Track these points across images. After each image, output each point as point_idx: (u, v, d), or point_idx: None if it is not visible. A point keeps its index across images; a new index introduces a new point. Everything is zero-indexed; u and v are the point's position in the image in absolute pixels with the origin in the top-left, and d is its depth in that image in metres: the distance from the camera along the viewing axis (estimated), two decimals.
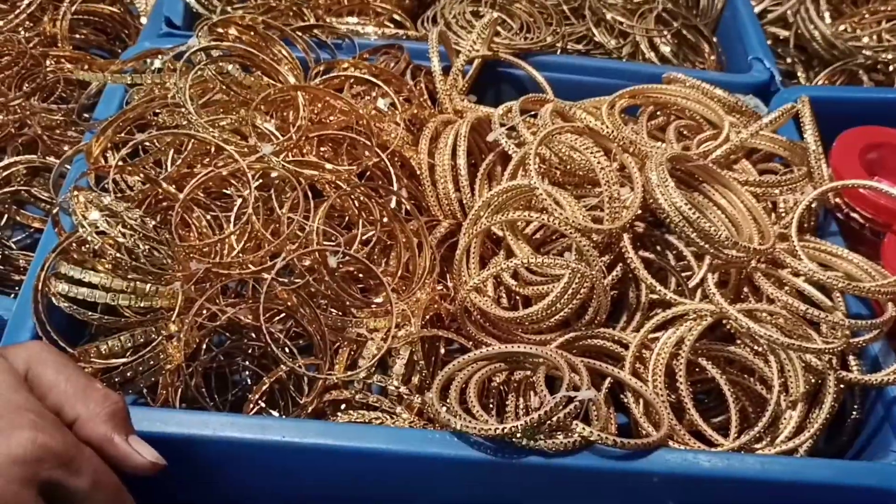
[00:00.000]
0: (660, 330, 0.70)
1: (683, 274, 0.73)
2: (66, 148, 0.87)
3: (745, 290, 0.73)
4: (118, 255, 0.61)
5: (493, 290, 0.74)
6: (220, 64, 0.78)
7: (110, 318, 0.64)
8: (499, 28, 0.97)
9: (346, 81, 0.85)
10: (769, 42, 1.10)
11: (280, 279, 0.66)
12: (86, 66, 0.86)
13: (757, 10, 1.12)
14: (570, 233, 0.68)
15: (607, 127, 0.76)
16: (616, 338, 0.71)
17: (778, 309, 0.69)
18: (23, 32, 0.93)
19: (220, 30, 0.86)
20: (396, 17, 1.05)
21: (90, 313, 0.63)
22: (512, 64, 0.95)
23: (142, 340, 0.62)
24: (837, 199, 0.83)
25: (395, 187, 0.77)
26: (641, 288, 0.72)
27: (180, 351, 0.62)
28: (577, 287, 0.68)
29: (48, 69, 0.89)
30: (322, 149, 0.81)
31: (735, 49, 1.04)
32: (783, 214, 0.78)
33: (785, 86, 0.98)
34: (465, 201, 0.79)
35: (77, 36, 1.00)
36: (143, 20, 1.04)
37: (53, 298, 0.64)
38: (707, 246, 0.69)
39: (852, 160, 0.85)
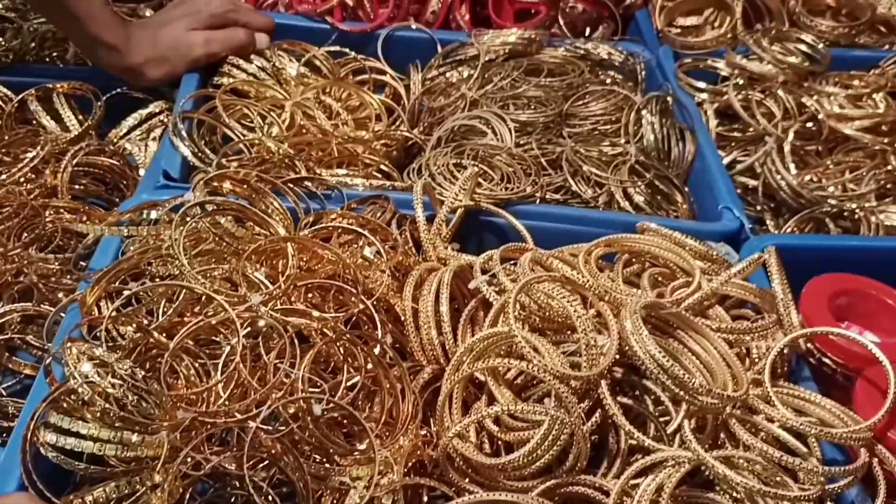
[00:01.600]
0: (640, 476, 0.71)
1: (661, 419, 0.75)
2: (60, 296, 0.90)
3: (722, 435, 0.75)
4: (107, 405, 0.62)
5: (475, 435, 0.76)
6: (215, 217, 0.81)
7: (96, 468, 0.64)
8: (480, 179, 1.02)
9: (334, 231, 0.88)
10: (739, 190, 1.16)
11: (265, 427, 0.67)
12: (84, 218, 0.89)
13: (726, 161, 1.18)
14: (549, 380, 0.70)
15: (583, 276, 0.79)
16: (597, 485, 0.71)
17: (754, 456, 0.70)
18: (25, 184, 0.97)
19: (215, 183, 0.90)
20: (384, 167, 1.11)
21: (77, 463, 0.64)
22: (493, 213, 0.99)
23: (126, 491, 0.62)
24: (809, 345, 0.85)
25: (380, 334, 0.79)
26: (621, 434, 0.73)
27: (164, 501, 0.62)
28: (557, 433, 0.69)
29: (47, 220, 0.93)
30: (309, 295, 0.84)
31: (706, 198, 1.09)
32: (756, 360, 0.80)
33: (755, 233, 1.03)
34: (447, 346, 0.81)
35: (76, 186, 1.04)
36: (142, 171, 1.09)
37: (41, 448, 0.64)
38: (682, 393, 0.71)
39: (821, 306, 0.88)
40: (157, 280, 0.79)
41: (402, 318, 0.83)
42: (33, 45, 1.24)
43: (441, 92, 1.23)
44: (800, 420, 0.72)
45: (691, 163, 1.14)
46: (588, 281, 0.79)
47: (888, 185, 1.12)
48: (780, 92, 1.21)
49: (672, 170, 1.12)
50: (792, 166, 1.12)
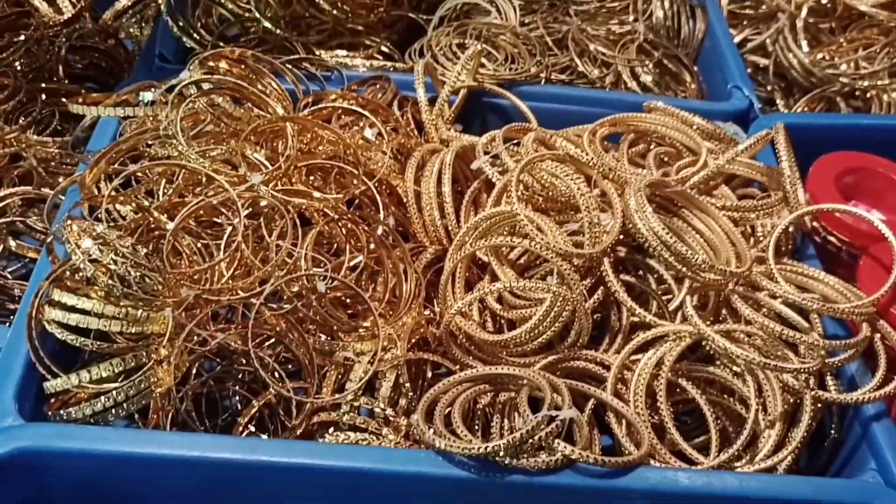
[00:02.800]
0: (641, 352, 0.71)
1: (664, 297, 0.75)
2: (60, 179, 0.89)
3: (724, 312, 0.75)
4: (110, 282, 0.63)
5: (478, 314, 0.76)
6: (211, 96, 0.80)
7: (102, 344, 0.65)
8: (484, 59, 1.00)
9: (334, 112, 0.87)
10: (749, 70, 1.14)
11: (269, 304, 0.67)
12: (80, 100, 0.87)
13: (737, 39, 1.15)
14: (552, 257, 0.70)
15: (588, 154, 0.78)
16: (598, 359, 0.72)
17: (755, 330, 0.70)
18: (19, 67, 0.95)
19: (211, 63, 0.88)
20: (385, 48, 1.08)
21: (82, 339, 0.65)
22: (496, 94, 0.98)
23: (133, 365, 0.63)
24: (814, 223, 0.85)
25: (382, 215, 0.79)
26: (622, 311, 0.74)
27: (170, 375, 0.63)
28: (559, 310, 0.70)
29: (43, 102, 0.91)
30: (311, 178, 0.83)
31: (715, 77, 1.06)
32: (761, 238, 0.80)
33: (764, 113, 1.01)
34: (450, 228, 0.81)
35: (73, 69, 1.02)
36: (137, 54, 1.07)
37: (47, 325, 0.65)
38: (685, 269, 0.70)
39: (828, 185, 0.87)
40: (155, 159, 0.78)
41: (405, 200, 0.83)
42: None
43: None
44: (802, 296, 0.72)
45: (701, 41, 1.11)
46: (592, 159, 0.78)
47: None
48: None
49: (681, 48, 1.09)
50: (804, 44, 1.09)
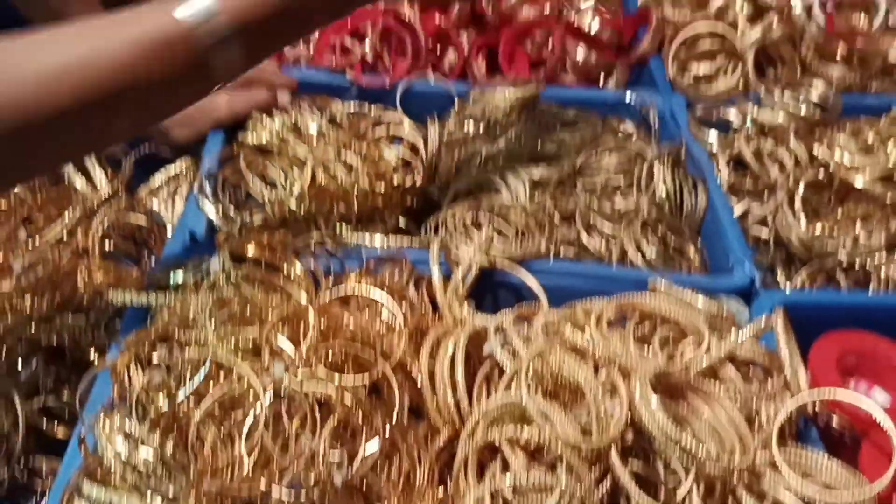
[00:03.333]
0: None
1: (672, 485, 0.77)
2: (89, 355, 0.93)
3: (730, 500, 0.77)
4: (137, 480, 0.66)
5: (489, 500, 0.78)
6: (240, 283, 0.85)
7: None
8: (495, 236, 1.05)
9: (353, 295, 0.92)
10: (751, 241, 1.18)
11: (286, 498, 0.70)
12: (114, 280, 0.93)
13: (738, 211, 1.21)
14: (560, 448, 0.72)
15: (593, 343, 0.82)
16: None
17: None
18: (58, 245, 1.01)
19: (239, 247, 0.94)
20: (401, 223, 1.14)
21: None
22: (508, 271, 1.02)
23: None
24: (816, 408, 0.87)
25: (397, 399, 0.82)
26: (631, 501, 0.75)
27: None
28: (568, 501, 0.72)
29: (78, 281, 0.97)
30: (329, 354, 0.87)
31: (717, 251, 1.11)
32: (764, 422, 0.82)
33: (766, 285, 1.05)
34: (462, 409, 0.84)
35: (106, 245, 1.08)
36: (169, 229, 1.13)
37: None
38: (690, 462, 0.73)
39: (829, 365, 0.90)
40: (184, 346, 0.82)
41: (419, 381, 0.86)
42: None
43: (458, 144, 1.26)
44: (805, 486, 0.74)
45: (703, 215, 1.16)
46: (598, 348, 0.81)
47: None
48: (792, 142, 1.23)
49: (684, 222, 1.14)
50: (802, 217, 1.14)
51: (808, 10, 1.40)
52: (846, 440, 0.85)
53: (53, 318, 0.93)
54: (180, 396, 0.75)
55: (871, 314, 0.99)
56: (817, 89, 1.31)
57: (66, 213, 1.03)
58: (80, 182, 1.14)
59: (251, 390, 0.77)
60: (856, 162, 1.21)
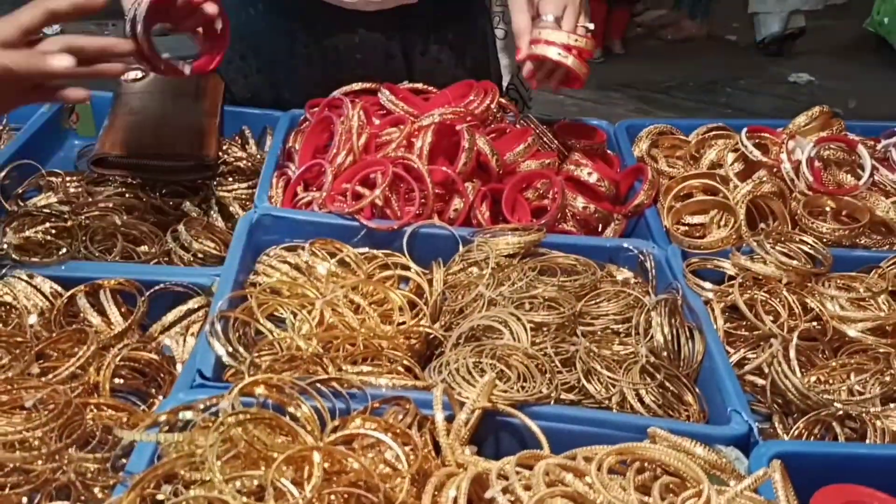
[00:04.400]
0: None
1: None
2: (97, 491, 0.94)
3: None
4: None
5: None
6: (247, 425, 0.87)
7: None
8: (497, 380, 1.07)
9: (358, 437, 0.93)
10: (748, 389, 1.21)
11: None
12: (124, 419, 0.95)
13: (734, 359, 1.23)
14: None
15: (595, 491, 0.83)
16: None
17: None
18: (70, 381, 1.04)
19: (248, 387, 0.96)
20: (406, 362, 1.17)
21: None
22: (510, 415, 1.04)
23: None
24: None
25: None
26: None
27: None
28: None
29: (88, 418, 0.99)
30: (332, 497, 0.88)
31: (715, 398, 1.13)
32: None
33: (764, 434, 1.06)
34: None
35: (117, 380, 1.10)
36: (178, 365, 1.15)
37: None
38: None
39: None
40: (190, 485, 0.84)
41: None
42: (84, 239, 1.33)
43: (462, 288, 1.30)
44: None
45: (700, 362, 1.19)
46: (599, 496, 0.82)
47: (894, 388, 1.15)
48: (785, 292, 1.27)
49: (682, 369, 1.17)
50: (797, 369, 1.16)
51: (797, 167, 1.48)
52: None
53: (62, 455, 0.94)
54: None
55: (867, 465, 1.01)
56: (808, 242, 1.36)
57: (80, 349, 1.06)
58: (95, 319, 1.18)
59: None
60: (848, 313, 1.25)
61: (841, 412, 1.12)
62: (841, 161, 1.54)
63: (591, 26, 1.52)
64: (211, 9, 1.28)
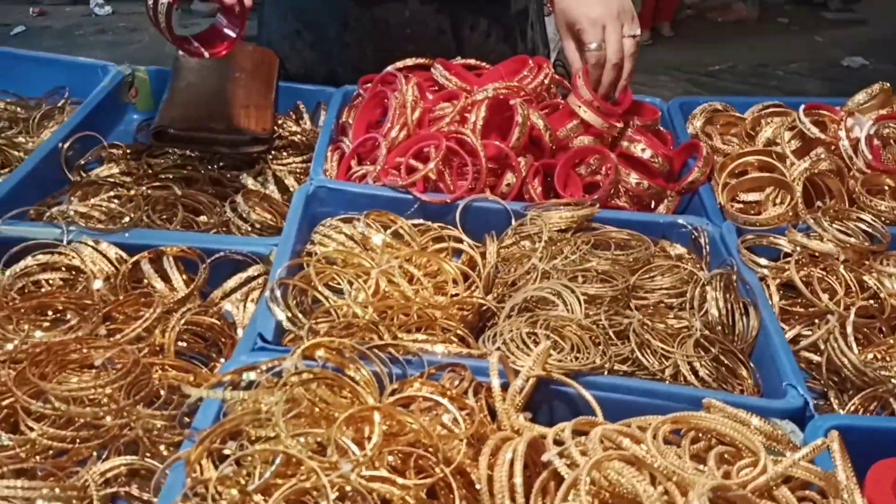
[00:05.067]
0: None
1: None
2: (163, 448, 0.97)
3: None
4: None
5: None
6: (310, 385, 0.89)
7: None
8: (551, 350, 1.08)
9: (416, 399, 0.95)
10: (803, 365, 1.20)
11: None
12: (191, 377, 0.98)
13: (789, 335, 1.23)
14: None
15: (652, 455, 0.84)
16: None
17: None
18: (136, 342, 1.07)
19: (309, 350, 0.98)
20: (460, 332, 1.18)
21: None
22: (564, 383, 1.05)
23: None
24: None
25: (457, 501, 0.84)
26: None
27: None
28: None
29: (154, 377, 1.02)
30: (390, 458, 0.90)
31: (770, 373, 1.13)
32: None
33: (819, 410, 1.06)
34: None
35: (180, 343, 1.13)
36: (239, 330, 1.18)
37: None
38: None
39: (886, 492, 0.90)
40: (255, 441, 0.86)
41: (478, 487, 0.88)
42: (146, 209, 1.37)
43: (515, 261, 1.31)
44: None
45: (755, 337, 1.19)
46: (656, 460, 0.83)
47: None
48: (842, 269, 1.26)
49: (737, 344, 1.17)
50: (854, 345, 1.16)
51: (855, 145, 1.46)
52: None
53: (130, 412, 0.97)
54: (251, 488, 0.78)
55: None
56: (866, 220, 1.35)
57: (146, 311, 1.09)
58: (159, 284, 1.21)
59: (318, 486, 0.80)
60: None
61: None
62: None
63: (638, 32, 1.52)
64: None
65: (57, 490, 0.85)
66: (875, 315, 1.24)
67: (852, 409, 1.12)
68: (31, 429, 0.95)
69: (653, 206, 1.50)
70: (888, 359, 1.18)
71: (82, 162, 1.56)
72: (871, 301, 1.25)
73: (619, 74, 1.51)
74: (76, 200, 1.37)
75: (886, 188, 1.46)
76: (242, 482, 0.81)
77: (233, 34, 1.37)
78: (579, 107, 1.48)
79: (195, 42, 1.35)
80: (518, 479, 0.86)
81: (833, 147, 1.48)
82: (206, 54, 1.35)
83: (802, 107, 1.53)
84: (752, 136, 1.61)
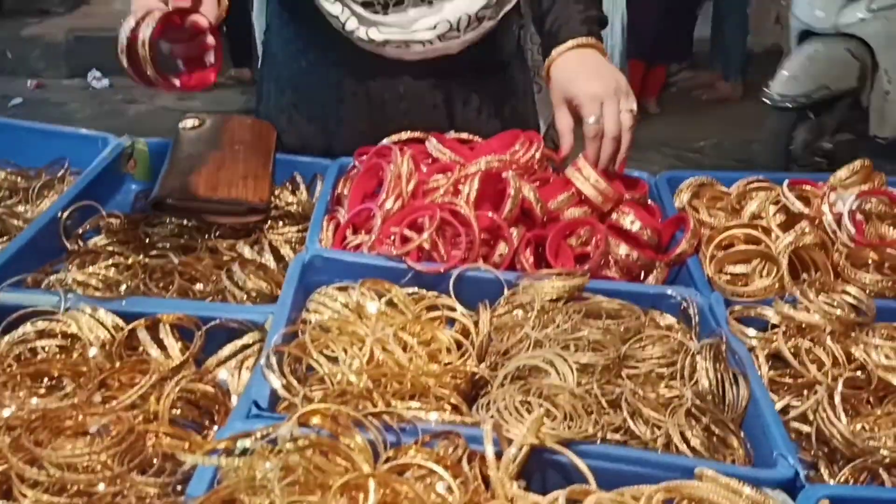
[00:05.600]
0: None
1: None
2: None
3: None
4: None
5: None
6: (305, 452, 0.90)
7: None
8: (544, 418, 1.09)
9: (411, 467, 0.95)
10: (793, 435, 1.21)
11: None
12: (185, 444, 0.98)
13: (778, 406, 1.24)
14: None
15: None
16: None
17: None
18: (131, 409, 1.08)
19: (304, 416, 0.99)
20: (453, 400, 1.19)
21: None
22: (557, 452, 1.06)
23: None
24: None
25: None
26: None
27: None
28: None
29: (148, 445, 1.02)
30: None
31: (761, 443, 1.14)
32: None
33: (810, 480, 1.06)
34: None
35: (174, 410, 1.14)
36: (233, 397, 1.19)
37: None
38: None
39: None
40: None
41: None
42: (143, 276, 1.38)
43: (508, 330, 1.33)
44: None
45: (745, 407, 1.20)
46: None
47: None
48: (829, 341, 1.28)
49: (727, 414, 1.18)
50: (843, 416, 1.17)
51: (839, 220, 1.50)
52: None
53: (123, 479, 0.97)
54: None
55: None
56: (851, 293, 1.38)
57: (142, 378, 1.10)
58: (154, 351, 1.22)
59: None
60: (892, 362, 1.25)
61: (888, 459, 1.12)
62: (883, 214, 1.55)
63: (634, 107, 1.59)
64: (203, 21, 1.38)
65: None
66: (862, 386, 1.26)
67: (842, 479, 1.13)
68: (25, 496, 0.94)
69: (642, 276, 1.53)
70: (876, 429, 1.19)
71: (80, 231, 1.58)
72: (859, 372, 1.27)
73: (618, 148, 1.56)
74: (74, 268, 1.39)
75: (870, 261, 1.49)
76: None
77: (212, 58, 1.41)
78: (581, 181, 1.52)
79: (181, 69, 1.39)
80: None
81: (817, 221, 1.52)
82: (177, 84, 1.39)
83: (786, 182, 1.57)
84: (737, 209, 1.65)
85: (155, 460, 1.02)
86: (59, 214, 1.54)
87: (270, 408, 1.10)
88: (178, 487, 0.97)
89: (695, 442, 1.12)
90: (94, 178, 1.71)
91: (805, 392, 1.26)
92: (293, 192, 1.74)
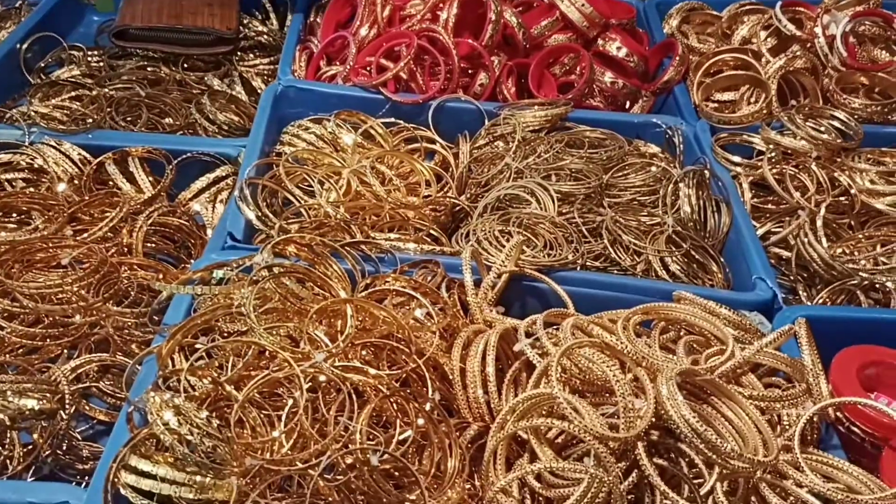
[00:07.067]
0: None
1: (695, 481, 0.79)
2: (134, 347, 0.97)
3: (753, 498, 0.79)
4: (185, 450, 0.69)
5: (517, 490, 0.80)
6: (281, 279, 0.88)
7: None
8: (524, 246, 1.08)
9: (388, 293, 0.95)
10: (773, 261, 1.21)
11: (324, 476, 0.72)
12: (160, 275, 0.96)
13: (760, 232, 1.23)
14: (589, 440, 0.75)
15: (622, 342, 0.85)
16: None
17: None
18: (103, 242, 1.05)
19: (280, 246, 0.97)
20: (433, 232, 1.17)
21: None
22: (536, 279, 1.05)
23: None
24: (838, 414, 0.89)
25: (430, 391, 0.85)
26: (656, 494, 0.77)
27: None
28: (595, 491, 0.74)
29: (123, 276, 1.00)
30: (363, 352, 0.90)
31: (740, 269, 1.14)
32: (787, 427, 0.84)
33: (788, 303, 1.07)
34: (492, 404, 0.86)
35: (148, 244, 1.12)
36: (209, 231, 1.17)
37: (121, 488, 0.71)
38: (714, 456, 0.75)
39: (850, 377, 0.92)
40: (226, 336, 0.86)
41: (451, 378, 0.89)
42: (109, 110, 1.33)
43: (488, 161, 1.30)
44: (827, 486, 0.76)
45: (726, 233, 1.19)
46: (626, 347, 0.84)
47: None
48: (814, 167, 1.26)
49: (708, 240, 1.17)
50: (824, 239, 1.17)
51: (831, 42, 1.44)
52: (867, 447, 0.87)
53: (99, 310, 0.96)
54: (224, 379, 0.78)
55: (890, 330, 1.02)
56: (839, 118, 1.34)
57: (112, 211, 1.07)
58: (125, 185, 1.18)
59: (291, 377, 0.80)
60: (877, 186, 1.24)
61: (866, 282, 1.12)
62: (876, 37, 1.50)
63: None
64: None
65: (28, 384, 0.85)
66: (845, 211, 1.25)
67: (820, 301, 1.14)
68: (1, 327, 0.94)
69: (627, 105, 1.49)
70: (856, 253, 1.19)
71: (42, 64, 1.51)
72: (842, 198, 1.26)
73: None
74: (37, 102, 1.33)
75: (860, 86, 1.45)
76: (215, 374, 0.81)
77: None
78: (567, 5, 1.45)
79: None
80: (490, 370, 0.87)
81: (809, 45, 1.46)
82: None
83: (779, 3, 1.50)
84: (728, 34, 1.59)
85: (131, 292, 1.01)
86: (18, 46, 1.46)
87: (246, 241, 1.08)
88: (156, 318, 0.96)
89: (674, 267, 1.11)
90: (52, 8, 1.62)
91: (787, 219, 1.25)
92: (263, 22, 1.66)
